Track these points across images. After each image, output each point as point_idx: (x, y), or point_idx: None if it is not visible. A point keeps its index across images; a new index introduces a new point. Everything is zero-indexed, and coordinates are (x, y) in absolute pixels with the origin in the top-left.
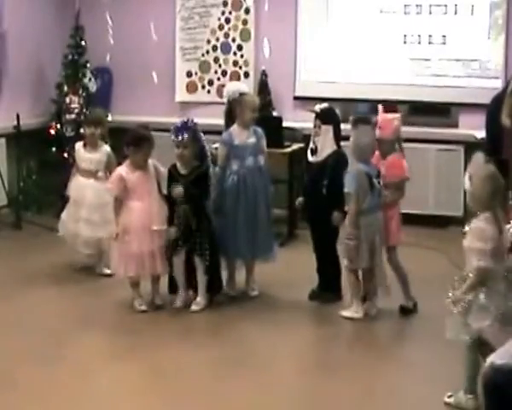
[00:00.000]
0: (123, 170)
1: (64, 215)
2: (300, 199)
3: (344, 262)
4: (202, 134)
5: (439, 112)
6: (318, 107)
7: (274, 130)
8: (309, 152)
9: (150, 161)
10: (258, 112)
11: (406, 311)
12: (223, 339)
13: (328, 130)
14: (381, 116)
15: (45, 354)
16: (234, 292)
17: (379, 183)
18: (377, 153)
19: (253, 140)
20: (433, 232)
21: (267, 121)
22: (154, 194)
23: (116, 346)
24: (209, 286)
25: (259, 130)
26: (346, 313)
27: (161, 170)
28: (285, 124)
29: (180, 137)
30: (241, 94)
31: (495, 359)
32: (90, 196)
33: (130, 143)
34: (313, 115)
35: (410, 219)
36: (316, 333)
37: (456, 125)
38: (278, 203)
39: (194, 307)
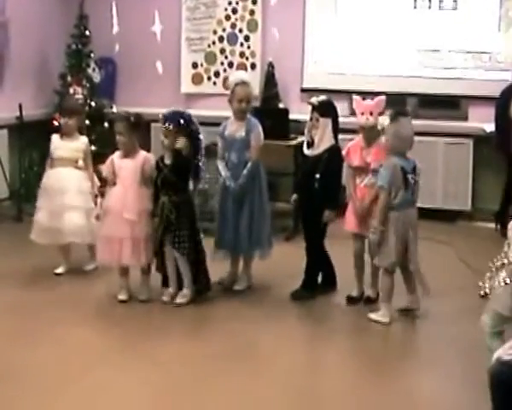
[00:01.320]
0: (115, 155)
1: (39, 215)
2: (295, 196)
3: (375, 261)
4: (198, 128)
5: (448, 105)
6: (316, 99)
7: (280, 122)
8: (304, 145)
9: (144, 153)
10: (247, 103)
11: (370, 301)
12: (222, 333)
13: (326, 123)
14: (364, 103)
15: (43, 344)
16: (224, 281)
17: (413, 179)
18: (358, 142)
19: (241, 134)
20: (440, 226)
21: (273, 113)
22: (135, 183)
23: (112, 338)
24: (194, 280)
25: (254, 122)
26: (373, 316)
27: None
28: (291, 116)
29: (165, 126)
30: (237, 84)
31: (502, 354)
32: (74, 184)
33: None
34: (310, 107)
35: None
36: (318, 328)
37: (465, 119)
38: (283, 197)
39: (179, 300)
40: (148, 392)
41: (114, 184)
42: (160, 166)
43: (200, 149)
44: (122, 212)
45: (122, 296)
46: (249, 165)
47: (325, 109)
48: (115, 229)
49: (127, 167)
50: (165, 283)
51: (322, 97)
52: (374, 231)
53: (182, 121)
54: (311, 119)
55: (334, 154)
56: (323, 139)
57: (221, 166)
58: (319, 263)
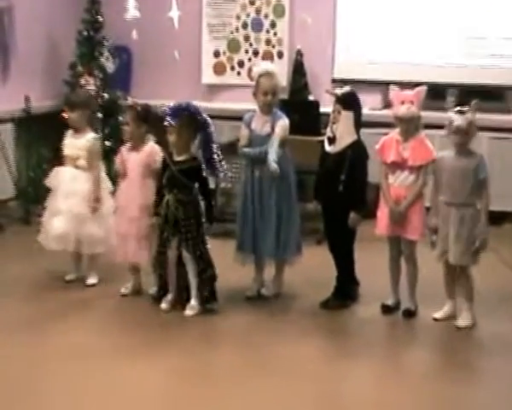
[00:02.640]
0: (125, 147)
1: (44, 217)
2: (316, 203)
3: (467, 260)
4: (207, 119)
5: (492, 96)
6: (339, 90)
7: (310, 115)
8: (326, 141)
9: (150, 145)
10: (273, 95)
11: (410, 314)
12: (244, 343)
13: (348, 116)
14: (404, 92)
15: (52, 353)
16: (251, 292)
17: None
18: (394, 136)
19: (267, 130)
20: None
21: (302, 106)
22: (138, 178)
23: (128, 347)
24: (201, 289)
25: (279, 114)
26: (465, 323)
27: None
28: (322, 109)
29: (168, 122)
30: (261, 75)
31: None
32: (65, 185)
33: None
34: (333, 100)
35: None
36: (351, 340)
37: (510, 111)
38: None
39: (188, 312)
40: (166, 404)
41: (125, 176)
42: (168, 162)
43: (212, 141)
44: (124, 208)
45: (123, 290)
46: (276, 142)
47: (348, 101)
48: (120, 225)
49: (132, 161)
50: (163, 290)
51: (346, 88)
52: (485, 230)
53: (186, 114)
54: (333, 111)
55: (357, 150)
56: (345, 134)
57: (247, 149)
58: (351, 270)
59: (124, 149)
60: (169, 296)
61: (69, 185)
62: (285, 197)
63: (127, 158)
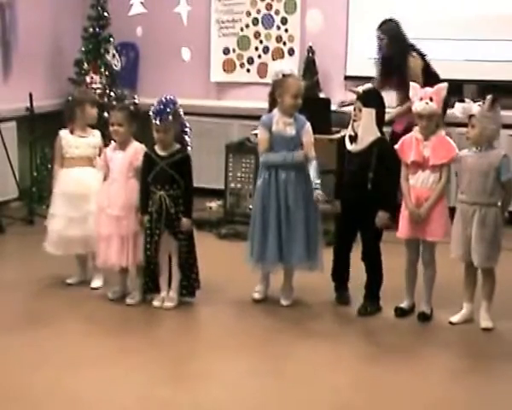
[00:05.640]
0: (109, 147)
1: (55, 224)
2: (337, 203)
3: (492, 262)
4: (181, 110)
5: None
6: (361, 87)
7: (321, 113)
8: (347, 140)
9: (136, 144)
10: (302, 98)
11: (425, 318)
12: (257, 348)
13: (369, 113)
14: (423, 89)
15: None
16: (260, 295)
17: None
18: (414, 135)
19: (291, 132)
20: None
21: (314, 104)
22: (121, 177)
23: (129, 350)
24: (185, 283)
25: (302, 118)
26: (490, 324)
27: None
28: (334, 107)
29: (163, 122)
30: (285, 75)
31: None
32: (95, 187)
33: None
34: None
35: None
36: (364, 345)
37: None
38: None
39: (167, 304)
40: None
41: (107, 177)
42: (153, 158)
43: (186, 126)
44: (108, 208)
45: (111, 295)
46: (315, 163)
47: (369, 98)
48: (102, 226)
49: (117, 160)
50: (151, 287)
51: (367, 85)
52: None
53: (172, 109)
54: (354, 109)
55: (384, 147)
56: (367, 132)
57: (270, 155)
58: (381, 270)
59: (108, 149)
60: (162, 294)
61: (97, 186)
62: (310, 200)
63: (111, 157)
